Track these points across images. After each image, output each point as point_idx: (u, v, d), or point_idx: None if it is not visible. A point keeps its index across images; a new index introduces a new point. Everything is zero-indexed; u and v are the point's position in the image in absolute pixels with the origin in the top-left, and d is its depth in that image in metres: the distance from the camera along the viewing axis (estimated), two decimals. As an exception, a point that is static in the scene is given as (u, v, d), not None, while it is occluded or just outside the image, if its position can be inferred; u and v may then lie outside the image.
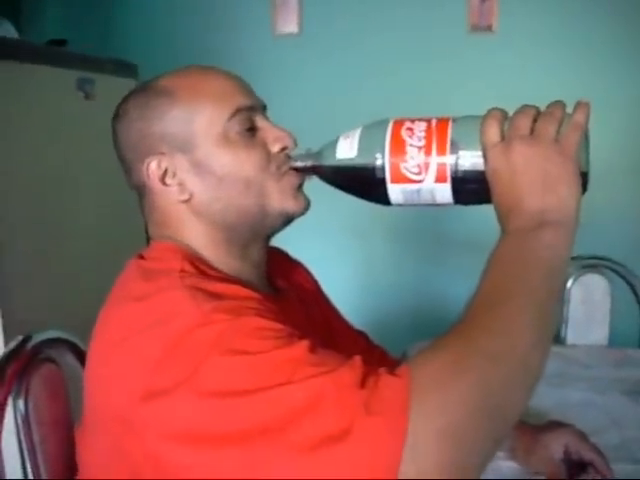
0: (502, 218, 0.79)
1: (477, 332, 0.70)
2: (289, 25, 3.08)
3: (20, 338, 1.11)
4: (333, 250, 3.11)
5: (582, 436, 1.17)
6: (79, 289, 2.01)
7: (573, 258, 2.12)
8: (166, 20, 3.08)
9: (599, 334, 2.07)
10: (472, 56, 2.94)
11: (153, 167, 0.93)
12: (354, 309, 2.97)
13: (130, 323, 0.80)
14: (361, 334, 1.29)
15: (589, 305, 2.08)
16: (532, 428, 1.20)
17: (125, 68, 2.37)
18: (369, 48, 3.04)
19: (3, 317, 1.75)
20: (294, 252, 1.22)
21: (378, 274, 3.18)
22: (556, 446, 1.16)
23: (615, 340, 2.10)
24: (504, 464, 1.21)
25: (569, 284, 2.09)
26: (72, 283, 2.04)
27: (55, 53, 2.17)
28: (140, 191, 0.97)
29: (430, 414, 0.64)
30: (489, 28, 3.00)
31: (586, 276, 2.09)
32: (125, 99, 0.97)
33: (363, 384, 0.67)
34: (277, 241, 1.03)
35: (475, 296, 0.74)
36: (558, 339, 2.08)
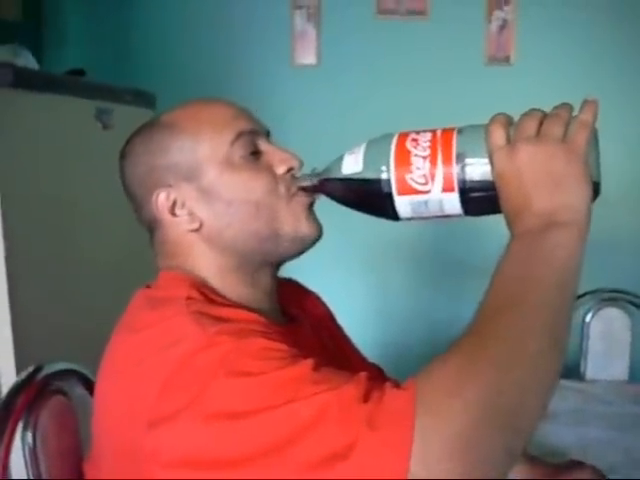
0: (510, 221, 0.77)
1: (485, 338, 0.68)
2: (307, 56, 3.10)
3: (31, 369, 1.10)
4: (346, 280, 3.09)
5: (602, 476, 1.14)
6: (94, 319, 2.00)
7: (592, 292, 2.13)
8: (185, 50, 3.10)
9: (619, 369, 2.04)
10: (490, 87, 2.94)
11: (162, 199, 0.93)
12: (368, 339, 2.95)
13: (135, 352, 0.80)
14: (375, 367, 1.27)
15: (608, 339, 2.05)
16: (551, 468, 1.18)
17: (143, 98, 2.39)
18: (386, 80, 3.05)
19: (15, 346, 1.75)
20: (307, 282, 1.21)
21: (392, 304, 3.16)
22: None
23: (636, 375, 2.07)
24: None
25: (588, 318, 2.07)
26: (87, 313, 2.03)
27: (74, 83, 2.18)
28: (151, 226, 0.97)
29: (436, 425, 0.62)
30: (507, 59, 3.00)
31: (605, 310, 2.07)
32: (130, 138, 0.98)
33: (367, 399, 0.66)
34: (291, 271, 1.02)
35: (484, 301, 0.72)
36: (577, 374, 2.05)
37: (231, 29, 3.10)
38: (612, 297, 2.08)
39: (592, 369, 2.04)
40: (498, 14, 3.00)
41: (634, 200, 2.88)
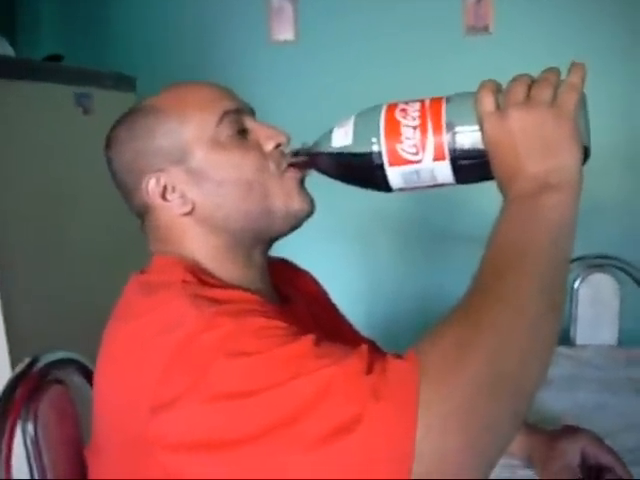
0: (503, 186, 0.78)
1: (483, 304, 0.69)
2: (285, 33, 3.08)
3: (27, 360, 1.09)
4: (333, 253, 3.10)
5: (598, 440, 1.16)
6: (83, 304, 2.00)
7: (579, 258, 2.14)
8: (163, 32, 3.07)
9: (608, 334, 2.06)
10: (469, 57, 2.93)
11: (152, 185, 0.92)
12: (359, 313, 2.96)
13: (134, 339, 0.80)
14: (369, 342, 1.28)
15: (597, 305, 2.07)
16: (547, 435, 1.19)
17: (124, 82, 2.37)
18: (365, 53, 3.03)
19: (8, 334, 1.74)
20: (297, 258, 1.21)
21: (383, 277, 3.17)
22: (573, 452, 1.15)
23: (625, 339, 2.09)
24: (521, 472, 1.19)
25: (576, 284, 2.08)
26: (75, 298, 2.03)
27: (52, 69, 2.15)
28: (142, 212, 0.96)
29: (441, 394, 0.63)
30: (485, 29, 2.99)
31: (593, 276, 2.09)
32: (113, 127, 0.97)
33: (370, 370, 0.66)
34: (280, 248, 1.02)
35: (481, 266, 0.73)
36: (567, 340, 2.07)
37: (208, 8, 3.07)
38: (599, 263, 2.10)
39: (582, 335, 2.06)
40: (475, -17, 2.98)
41: (618, 166, 2.89)
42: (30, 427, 1.04)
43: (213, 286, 0.86)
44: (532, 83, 0.77)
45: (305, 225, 0.97)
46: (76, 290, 2.05)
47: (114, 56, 2.96)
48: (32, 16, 3.04)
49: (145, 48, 3.04)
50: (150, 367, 0.75)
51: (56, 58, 2.30)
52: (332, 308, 1.23)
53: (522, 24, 2.93)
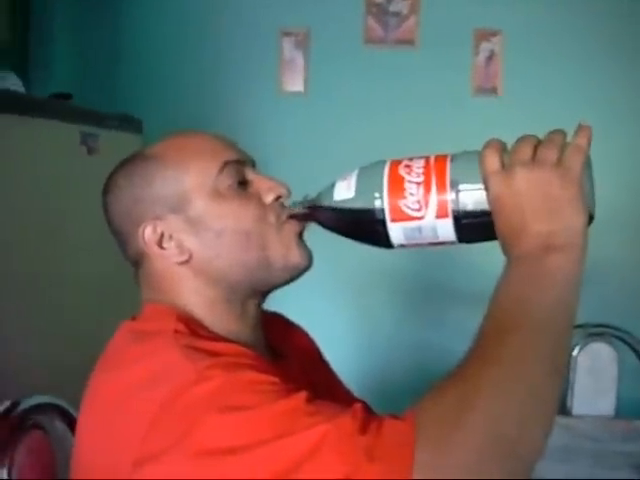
0: (507, 246, 0.77)
1: (484, 365, 0.68)
2: (295, 84, 3.10)
3: (8, 403, 1.07)
4: (331, 309, 3.07)
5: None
6: (76, 349, 1.97)
7: (578, 326, 2.12)
8: (173, 76, 3.09)
9: (606, 404, 2.03)
10: (477, 118, 2.94)
11: (149, 232, 0.91)
12: (353, 368, 2.93)
13: (121, 389, 0.78)
14: (362, 402, 1.25)
15: (595, 374, 2.04)
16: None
17: (130, 123, 2.38)
18: (374, 109, 3.05)
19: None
20: (291, 311, 1.19)
21: (378, 332, 3.13)
22: None
23: (623, 410, 2.06)
24: None
25: (575, 352, 2.06)
26: (69, 342, 2.00)
27: (59, 107, 2.17)
28: (137, 260, 0.95)
29: (437, 457, 0.62)
30: (494, 90, 3.02)
31: (592, 344, 2.07)
32: (112, 173, 0.96)
33: (365, 430, 0.65)
34: (276, 300, 1.00)
35: (483, 326, 0.72)
36: (564, 409, 2.04)
37: (219, 55, 3.10)
38: (599, 332, 2.08)
39: (579, 404, 2.03)
40: (485, 45, 3.02)
41: (619, 233, 2.88)
42: (4, 473, 1.02)
43: (205, 338, 0.85)
44: (538, 143, 0.77)
45: (301, 278, 0.96)
46: (67, 330, 2.03)
47: (123, 98, 2.97)
48: (45, 54, 3.08)
49: (154, 91, 3.06)
50: (137, 420, 0.74)
51: (65, 96, 2.32)
52: (324, 365, 1.21)
53: (530, 87, 2.96)
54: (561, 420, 1.85)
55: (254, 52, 3.09)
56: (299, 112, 3.09)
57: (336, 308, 3.10)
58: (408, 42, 3.05)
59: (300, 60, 3.09)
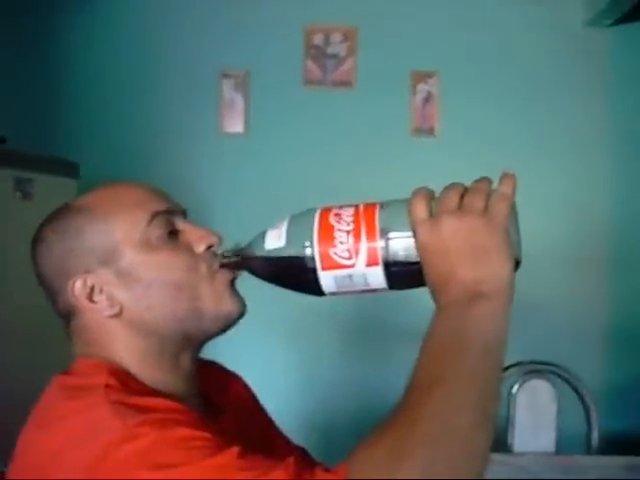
0: (435, 293, 0.77)
1: (415, 417, 0.68)
2: (235, 125, 3.11)
3: None
4: (272, 352, 3.05)
5: None
6: (7, 400, 1.91)
7: (516, 364, 2.14)
8: (110, 119, 3.06)
9: (546, 440, 2.05)
10: (415, 158, 2.99)
11: (79, 286, 0.90)
12: (295, 407, 2.90)
13: (53, 447, 0.77)
14: (299, 449, 1.24)
15: (535, 411, 2.06)
16: None
17: (65, 167, 2.34)
18: (313, 149, 3.08)
19: None
20: (231, 357, 1.18)
21: (318, 371, 3.11)
22: None
23: (563, 445, 2.08)
24: None
25: (514, 390, 2.08)
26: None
27: (-7, 151, 2.13)
28: (67, 314, 0.93)
29: None
30: (431, 131, 3.07)
31: (531, 382, 2.09)
32: (41, 226, 0.94)
33: None
34: (213, 344, 0.99)
35: (412, 377, 0.72)
36: (504, 447, 2.05)
37: (157, 96, 3.09)
38: (537, 369, 2.11)
39: (519, 441, 2.05)
40: (422, 87, 3.08)
41: (555, 270, 2.94)
42: None
43: (137, 392, 0.83)
44: (465, 192, 0.78)
45: (243, 319, 0.95)
46: (3, 381, 1.97)
47: (59, 141, 2.93)
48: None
49: (90, 134, 3.03)
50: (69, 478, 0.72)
51: (-1, 140, 2.27)
52: (262, 415, 1.20)
53: (466, 128, 3.02)
54: (502, 457, 1.86)
55: (194, 93, 3.10)
56: (239, 153, 3.09)
57: (277, 351, 3.08)
58: (346, 84, 3.10)
59: (240, 101, 3.10)
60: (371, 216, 0.81)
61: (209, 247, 0.93)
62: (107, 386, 0.81)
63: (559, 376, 2.09)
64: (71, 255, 0.90)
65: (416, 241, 0.78)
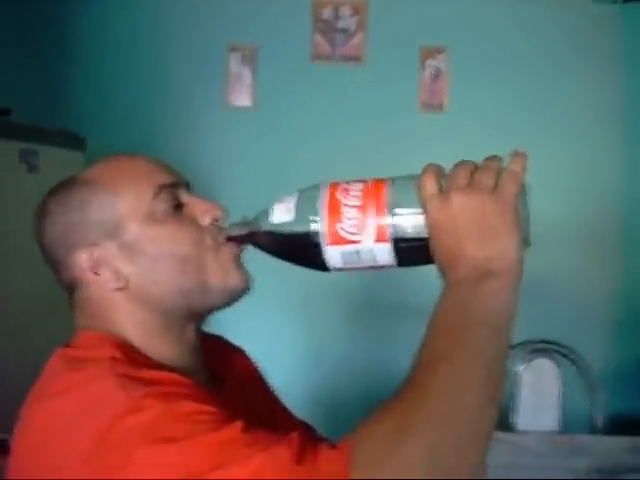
0: (444, 270, 0.77)
1: (422, 395, 0.68)
2: (243, 99, 3.09)
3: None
4: (279, 327, 3.06)
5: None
6: (10, 370, 1.92)
7: (522, 343, 2.14)
8: (117, 92, 3.05)
9: (550, 420, 2.05)
10: (423, 134, 2.98)
11: (84, 259, 0.89)
12: (302, 384, 2.92)
13: (55, 420, 0.77)
14: (303, 424, 1.24)
15: (539, 390, 2.06)
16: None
17: (72, 140, 2.33)
18: (321, 124, 3.06)
19: None
20: (237, 331, 1.18)
21: (327, 351, 3.13)
22: None
23: (566, 425, 2.08)
24: None
25: (519, 369, 2.08)
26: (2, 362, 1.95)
27: (-3, 123, 2.12)
28: (72, 287, 0.93)
29: None
30: (440, 107, 3.05)
31: (536, 361, 2.09)
32: (46, 198, 0.94)
33: (301, 460, 0.66)
34: (219, 318, 0.98)
35: (419, 353, 0.72)
36: (508, 426, 2.05)
37: (166, 70, 3.07)
38: (542, 348, 2.11)
39: (523, 420, 2.05)
40: (431, 62, 3.05)
41: (561, 250, 2.93)
42: None
43: (142, 365, 0.83)
44: (475, 169, 0.78)
45: (246, 296, 0.95)
46: (9, 351, 1.98)
47: (65, 113, 2.91)
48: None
49: (98, 108, 3.01)
50: (74, 451, 0.72)
51: (3, 112, 2.26)
52: (266, 389, 1.20)
53: (475, 104, 3.01)
54: (505, 436, 1.86)
55: (202, 66, 3.08)
56: (246, 126, 3.07)
57: (284, 326, 3.09)
58: (355, 58, 3.07)
59: (248, 75, 3.08)
60: (380, 192, 0.80)
61: (214, 220, 0.93)
62: (113, 358, 0.81)
63: (564, 356, 2.09)
64: (76, 228, 0.90)
65: (425, 217, 0.78)
